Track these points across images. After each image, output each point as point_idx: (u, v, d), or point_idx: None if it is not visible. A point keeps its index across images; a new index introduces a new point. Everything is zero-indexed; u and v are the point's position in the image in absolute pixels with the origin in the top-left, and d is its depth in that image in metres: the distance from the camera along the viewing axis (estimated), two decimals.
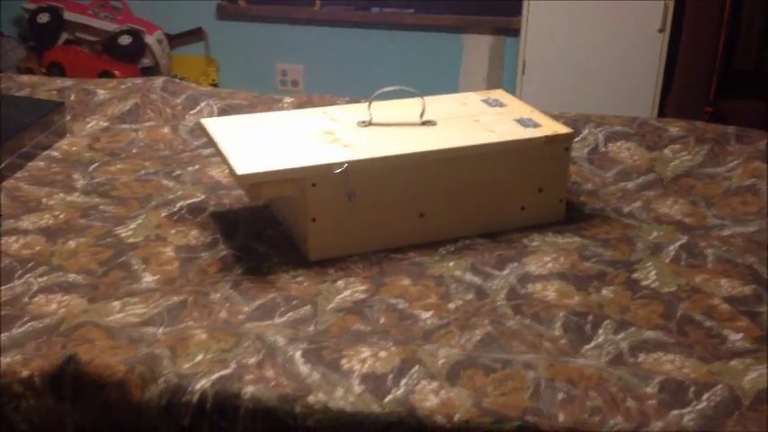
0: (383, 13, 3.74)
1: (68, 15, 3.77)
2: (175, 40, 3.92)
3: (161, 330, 1.37)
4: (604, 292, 1.49)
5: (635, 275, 1.55)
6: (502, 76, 3.67)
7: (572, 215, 1.77)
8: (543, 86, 3.30)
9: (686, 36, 3.09)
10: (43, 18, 3.75)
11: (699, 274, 1.55)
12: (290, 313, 1.43)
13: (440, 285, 1.51)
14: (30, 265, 1.56)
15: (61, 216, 1.75)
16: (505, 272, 1.56)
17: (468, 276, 1.54)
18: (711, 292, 1.49)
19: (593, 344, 1.35)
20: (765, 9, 3.38)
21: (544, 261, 1.59)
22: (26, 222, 1.72)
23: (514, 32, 3.51)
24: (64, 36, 3.80)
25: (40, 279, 1.52)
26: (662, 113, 3.16)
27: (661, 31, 3.13)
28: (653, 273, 1.55)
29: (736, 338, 1.36)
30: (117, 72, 3.65)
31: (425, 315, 1.42)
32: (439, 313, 1.43)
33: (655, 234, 1.69)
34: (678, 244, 1.65)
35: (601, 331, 1.38)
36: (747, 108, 3.11)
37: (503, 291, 1.50)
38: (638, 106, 3.15)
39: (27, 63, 3.78)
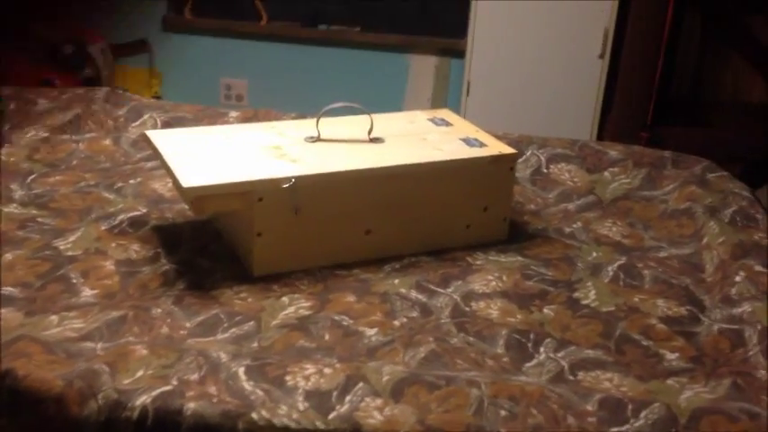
0: (330, 31, 3.74)
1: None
2: (119, 50, 3.86)
3: (100, 345, 1.35)
4: (546, 310, 1.52)
5: (575, 295, 1.58)
6: (447, 97, 3.71)
7: (515, 234, 1.80)
8: (487, 107, 3.35)
9: (625, 62, 3.17)
10: None
11: (636, 295, 1.59)
12: (234, 329, 1.42)
13: (385, 302, 1.51)
14: None
15: None
16: (450, 290, 1.57)
17: (413, 294, 1.55)
18: (648, 311, 1.53)
19: (534, 362, 1.37)
20: (701, 38, 3.50)
21: (488, 279, 1.60)
22: None
23: (460, 54, 3.56)
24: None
25: None
26: (600, 137, 3.24)
27: (601, 56, 3.20)
28: (593, 292, 1.58)
29: (672, 358, 1.40)
30: (58, 81, 3.57)
31: (370, 332, 1.43)
32: (384, 330, 1.43)
33: (594, 255, 1.73)
34: (617, 264, 1.69)
35: (542, 349, 1.40)
36: (683, 134, 3.20)
37: (447, 308, 1.51)
38: (577, 129, 3.22)
39: None
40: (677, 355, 1.40)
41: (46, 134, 2.19)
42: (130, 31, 3.84)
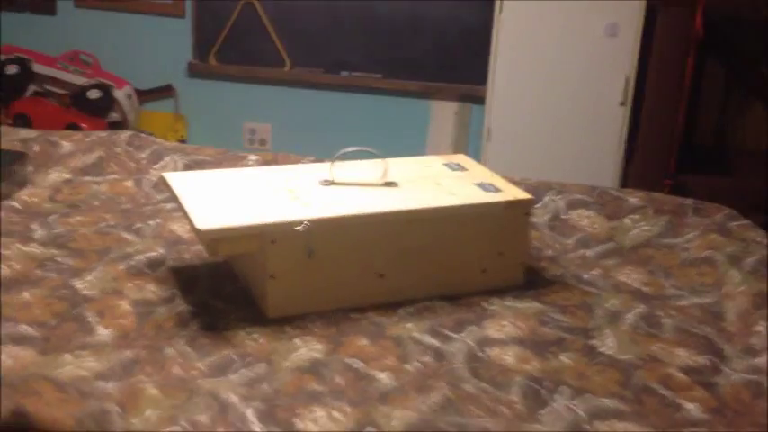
0: (352, 77, 3.79)
1: (37, 68, 3.78)
2: (145, 95, 3.93)
3: (112, 385, 1.34)
4: (562, 357, 1.49)
5: (593, 342, 1.55)
6: (468, 142, 3.73)
7: (532, 280, 1.78)
8: (507, 153, 3.35)
9: (647, 110, 3.17)
10: (12, 69, 3.74)
11: (656, 343, 1.56)
12: (245, 370, 1.41)
13: (398, 346, 1.50)
14: None
15: (17, 266, 1.72)
16: (464, 335, 1.55)
17: (427, 338, 1.53)
18: (668, 361, 1.50)
19: (549, 409, 1.34)
20: (724, 86, 3.49)
21: (503, 325, 1.59)
22: None
23: (480, 100, 3.58)
24: (32, 88, 3.80)
25: None
26: (624, 185, 3.22)
27: (623, 104, 3.21)
28: (610, 340, 1.56)
29: (691, 408, 1.36)
30: (84, 125, 3.64)
31: (382, 376, 1.41)
32: (396, 374, 1.41)
33: (613, 302, 1.71)
34: (636, 312, 1.66)
35: (557, 397, 1.37)
36: (706, 182, 3.18)
37: (461, 354, 1.49)
38: (599, 177, 3.21)
39: None
40: (697, 405, 1.37)
41: (68, 176, 2.22)
42: (156, 77, 3.91)
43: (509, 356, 1.49)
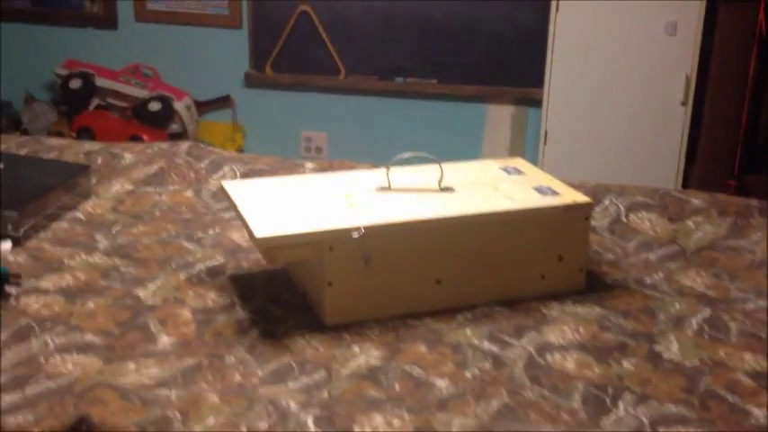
0: (406, 83, 3.79)
1: (100, 82, 3.87)
2: (204, 106, 4.00)
3: (174, 393, 1.36)
4: (625, 364, 1.46)
5: (656, 348, 1.52)
6: (524, 146, 3.70)
7: (593, 285, 1.75)
8: (565, 156, 3.31)
9: (709, 109, 3.10)
10: (75, 84, 3.84)
11: (722, 348, 1.52)
12: (304, 378, 1.42)
13: (456, 353, 1.49)
14: (48, 325, 1.57)
15: (82, 277, 1.77)
16: (524, 341, 1.53)
17: (486, 345, 1.52)
18: (735, 366, 1.46)
19: (612, 417, 1.32)
20: None
21: (563, 331, 1.56)
22: (47, 282, 1.73)
23: (536, 103, 3.54)
24: (95, 101, 3.90)
25: (57, 339, 1.52)
26: (685, 186, 3.15)
27: (683, 103, 3.14)
28: (675, 345, 1.52)
29: (759, 414, 1.32)
30: (146, 137, 3.72)
31: (441, 383, 1.40)
32: (455, 381, 1.41)
33: (677, 306, 1.67)
34: (701, 317, 1.62)
35: (621, 404, 1.35)
36: None
37: (520, 360, 1.47)
38: (661, 178, 3.14)
39: (58, 127, 3.87)
40: (765, 411, 1.33)
41: (131, 187, 2.27)
42: (214, 88, 3.97)
43: (570, 363, 1.47)
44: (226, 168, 2.34)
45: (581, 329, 1.57)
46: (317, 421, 1.26)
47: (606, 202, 2.10)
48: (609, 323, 1.60)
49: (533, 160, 3.41)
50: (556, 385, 1.40)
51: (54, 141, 2.56)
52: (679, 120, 3.14)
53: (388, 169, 1.74)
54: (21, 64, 4.05)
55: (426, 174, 1.79)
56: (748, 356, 1.49)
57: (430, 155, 1.74)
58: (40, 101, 4.02)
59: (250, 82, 3.96)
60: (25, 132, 3.86)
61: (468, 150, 3.73)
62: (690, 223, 2.03)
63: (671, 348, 1.52)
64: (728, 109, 3.06)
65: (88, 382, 1.37)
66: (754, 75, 3.04)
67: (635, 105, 3.19)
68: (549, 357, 1.48)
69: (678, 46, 3.10)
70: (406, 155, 1.71)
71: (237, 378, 1.41)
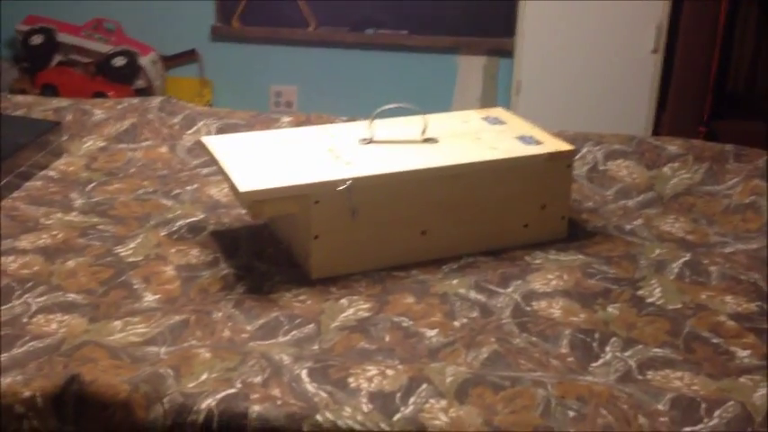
0: (378, 35, 3.75)
1: (62, 37, 3.77)
2: (169, 61, 3.92)
3: (164, 350, 1.36)
4: (610, 309, 1.48)
5: (640, 293, 1.54)
6: (496, 97, 3.69)
7: (574, 233, 1.77)
8: (537, 106, 3.31)
9: (680, 57, 3.11)
10: (36, 40, 3.74)
11: (703, 292, 1.54)
12: (294, 332, 1.42)
13: (444, 303, 1.50)
14: (29, 285, 1.54)
15: (59, 236, 1.74)
16: (510, 289, 1.55)
17: (473, 294, 1.53)
18: (717, 309, 1.49)
19: (600, 361, 1.34)
20: (756, 31, 3.41)
21: (548, 279, 1.58)
22: (24, 242, 1.70)
23: (508, 53, 3.53)
24: (57, 58, 3.80)
25: (39, 299, 1.50)
26: (656, 133, 3.18)
27: (655, 51, 3.15)
28: (658, 290, 1.55)
29: (743, 355, 1.35)
30: (111, 93, 3.64)
31: (431, 333, 1.41)
32: (444, 331, 1.42)
33: (658, 252, 1.69)
34: (681, 261, 1.65)
35: (608, 349, 1.37)
36: (740, 128, 3.13)
37: (508, 308, 1.49)
38: (632, 126, 3.16)
39: (20, 84, 3.77)
40: (749, 352, 1.36)
41: (103, 143, 2.22)
42: (180, 42, 3.89)
43: (556, 310, 1.48)
44: (200, 123, 2.30)
45: (565, 276, 1.59)
46: (311, 373, 1.26)
47: (584, 150, 2.11)
48: (592, 270, 1.62)
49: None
50: (543, 332, 1.42)
51: (21, 98, 2.49)
52: (650, 68, 3.16)
53: (371, 121, 1.72)
54: None
55: (408, 125, 1.78)
56: (729, 299, 1.52)
57: (412, 106, 1.72)
58: (1, 58, 3.91)
59: (217, 35, 3.89)
60: None
61: (439, 102, 3.71)
62: (666, 170, 2.05)
63: (654, 293, 1.54)
64: (699, 57, 3.08)
65: (75, 341, 1.36)
66: (724, 23, 3.05)
67: (607, 54, 3.20)
68: (535, 305, 1.50)
69: None
70: (390, 106, 1.70)
71: (227, 333, 1.41)
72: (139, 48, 3.78)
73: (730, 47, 3.31)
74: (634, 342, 1.39)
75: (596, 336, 1.40)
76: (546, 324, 1.44)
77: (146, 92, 3.75)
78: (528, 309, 1.49)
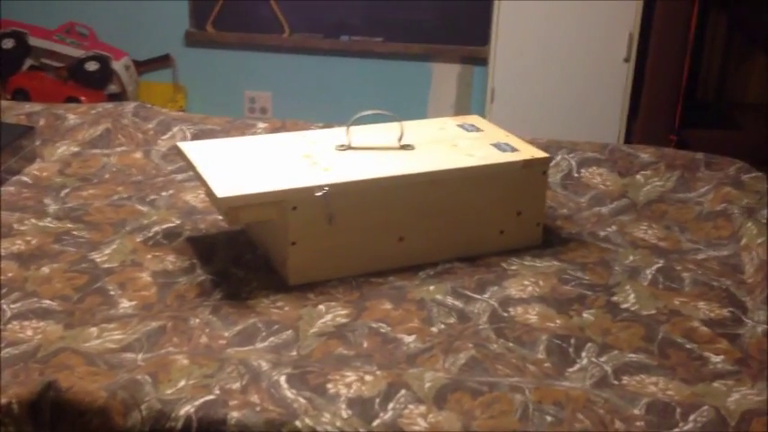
0: (352, 42, 3.76)
1: (33, 41, 3.73)
2: (143, 66, 3.90)
3: (141, 356, 1.35)
4: (585, 315, 1.50)
5: (614, 298, 1.56)
6: (470, 104, 3.71)
7: (549, 239, 1.78)
8: (512, 114, 3.34)
9: (651, 65, 3.15)
10: (8, 44, 3.70)
11: (677, 297, 1.57)
12: (272, 338, 1.42)
13: (422, 309, 1.51)
14: (3, 291, 1.52)
15: (33, 241, 1.72)
16: (486, 295, 1.56)
17: (450, 300, 1.54)
18: (690, 314, 1.51)
19: (577, 367, 1.35)
20: (725, 42, 3.48)
21: (524, 285, 1.59)
22: None
23: (482, 61, 3.56)
24: (29, 62, 3.76)
25: (13, 305, 1.49)
26: (628, 141, 3.22)
27: (626, 60, 3.19)
28: (632, 296, 1.57)
29: (717, 360, 1.38)
30: (83, 98, 3.61)
31: (408, 339, 1.42)
32: (422, 337, 1.42)
33: (631, 258, 1.71)
34: (655, 267, 1.67)
35: (584, 354, 1.38)
36: (711, 137, 3.18)
37: (485, 314, 1.50)
38: (604, 134, 3.20)
39: None
40: (722, 357, 1.38)
41: (77, 149, 2.20)
42: (153, 47, 3.87)
43: (533, 315, 1.50)
44: (175, 129, 2.29)
45: (541, 283, 1.60)
46: (289, 379, 1.26)
47: (558, 157, 2.13)
48: (567, 276, 1.63)
49: None
50: (520, 337, 1.43)
51: None
52: (622, 76, 3.20)
53: (349, 128, 1.73)
54: None
55: (385, 132, 1.78)
56: (702, 305, 1.54)
57: (390, 113, 1.73)
58: None
59: (190, 41, 3.88)
60: None
61: (414, 109, 3.73)
62: (639, 177, 2.07)
63: (628, 299, 1.56)
64: (670, 66, 3.12)
65: (51, 348, 1.35)
66: (695, 32, 3.10)
67: (580, 63, 3.24)
68: (511, 311, 1.51)
69: (622, 4, 3.14)
70: (367, 113, 1.70)
71: (204, 340, 1.40)
72: (112, 52, 3.75)
73: (700, 56, 3.37)
74: (609, 347, 1.41)
75: (572, 341, 1.42)
76: (522, 330, 1.45)
77: (119, 97, 3.72)
78: (505, 315, 1.50)
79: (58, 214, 1.86)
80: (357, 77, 3.79)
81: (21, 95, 3.63)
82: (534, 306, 1.53)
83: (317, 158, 1.67)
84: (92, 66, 3.70)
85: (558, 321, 1.48)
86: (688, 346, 1.42)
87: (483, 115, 3.42)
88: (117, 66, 3.74)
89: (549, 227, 1.84)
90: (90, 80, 3.71)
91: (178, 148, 1.75)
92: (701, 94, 3.49)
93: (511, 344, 1.41)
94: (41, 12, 3.81)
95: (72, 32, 3.80)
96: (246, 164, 1.65)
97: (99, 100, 3.62)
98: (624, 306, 1.54)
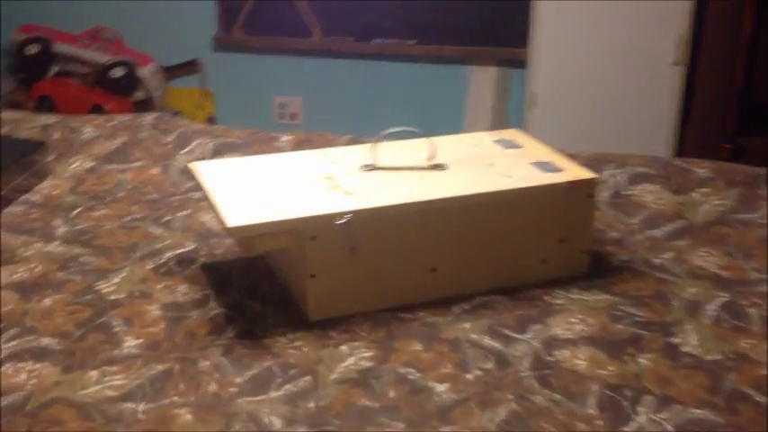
0: (385, 45, 3.61)
1: (58, 47, 3.64)
2: (170, 72, 3.78)
3: (142, 407, 1.21)
4: (641, 360, 1.33)
5: (674, 340, 1.39)
6: (509, 110, 3.54)
7: (597, 268, 1.61)
8: (552, 120, 3.16)
9: (703, 69, 2.95)
10: (32, 50, 3.61)
11: (744, 339, 1.39)
12: (288, 385, 1.27)
13: (455, 351, 1.35)
14: (0, 327, 1.40)
15: (37, 269, 1.60)
16: (528, 335, 1.40)
17: (487, 341, 1.38)
18: (759, 359, 1.33)
19: (633, 425, 1.18)
20: None
21: (571, 322, 1.43)
22: None
23: (521, 64, 3.38)
24: (54, 68, 3.67)
25: (9, 344, 1.37)
26: (680, 150, 3.02)
27: (676, 63, 2.99)
28: (693, 337, 1.39)
29: None
30: (109, 106, 3.51)
31: (440, 388, 1.26)
32: (456, 386, 1.27)
33: (691, 290, 1.54)
34: (718, 302, 1.49)
35: (641, 409, 1.21)
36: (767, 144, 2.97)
37: (526, 358, 1.34)
38: (652, 142, 3.00)
39: (15, 96, 3.64)
40: None
41: (92, 164, 2.09)
42: (181, 52, 3.76)
43: (581, 360, 1.33)
44: (195, 143, 2.17)
45: (589, 320, 1.44)
46: None
47: (605, 173, 1.96)
48: (619, 312, 1.46)
49: (519, 125, 3.26)
50: (568, 388, 1.27)
51: (7, 115, 2.36)
52: (672, 81, 2.99)
53: (374, 146, 1.57)
54: None
55: (414, 149, 1.63)
56: None
57: (415, 127, 1.57)
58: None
59: (219, 45, 3.75)
60: None
61: (449, 115, 3.56)
62: (695, 195, 1.89)
63: (689, 340, 1.39)
64: (723, 68, 2.92)
65: (43, 398, 1.22)
66: (750, 32, 2.90)
67: (626, 66, 3.04)
68: (557, 354, 1.35)
69: (671, 3, 2.94)
70: (393, 130, 1.55)
71: (213, 387, 1.26)
72: (139, 58, 3.64)
73: (755, 57, 3.15)
74: (670, 401, 1.24)
75: (627, 393, 1.25)
76: (570, 378, 1.29)
77: (145, 104, 3.62)
78: (549, 359, 1.33)
79: (66, 237, 1.74)
80: (390, 82, 3.64)
81: (45, 103, 3.54)
82: (583, 349, 1.36)
83: (339, 180, 1.52)
84: (118, 72, 3.59)
85: (610, 368, 1.31)
86: (758, 398, 1.24)
87: (522, 122, 3.25)
88: (143, 72, 3.63)
89: (597, 253, 1.67)
90: (116, 87, 3.60)
91: (191, 169, 1.62)
92: (756, 98, 3.27)
93: (557, 396, 1.25)
94: (66, 16, 3.72)
95: (98, 37, 3.70)
96: (263, 187, 1.51)
97: (125, 107, 3.52)
98: (685, 349, 1.36)
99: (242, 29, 3.70)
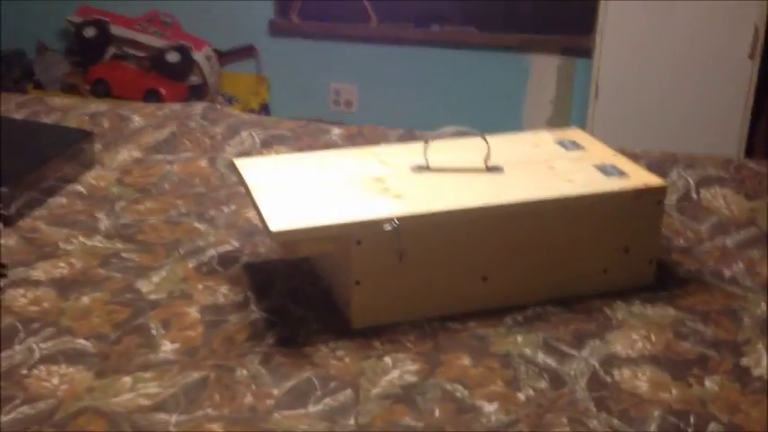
0: (443, 32, 3.50)
1: (115, 30, 3.63)
2: (225, 57, 3.75)
3: (174, 418, 1.16)
4: (708, 383, 1.23)
5: (744, 361, 1.28)
6: (572, 101, 3.41)
7: (663, 279, 1.51)
8: (617, 113, 3.03)
9: None
10: (89, 32, 3.60)
11: None
12: (327, 399, 1.21)
13: (507, 367, 1.27)
14: (35, 327, 1.37)
15: (78, 265, 1.56)
16: (585, 352, 1.31)
17: (541, 356, 1.29)
18: None
19: None
20: None
21: (632, 339, 1.33)
22: (38, 271, 1.53)
23: (586, 53, 3.25)
24: (110, 51, 3.66)
25: (44, 344, 1.33)
26: (750, 148, 2.86)
27: (751, 56, 2.83)
28: (765, 359, 1.29)
29: None
30: (164, 90, 3.49)
31: (489, 408, 1.18)
32: (506, 406, 1.19)
33: (763, 307, 1.42)
34: None
35: None
36: None
37: (583, 377, 1.25)
38: (723, 139, 2.86)
39: (71, 79, 3.64)
40: None
41: (139, 154, 2.05)
42: (236, 37, 3.72)
43: (642, 381, 1.24)
44: (244, 134, 2.11)
45: (653, 337, 1.34)
46: None
47: (673, 174, 1.85)
48: (685, 329, 1.36)
49: (582, 117, 3.14)
50: (627, 412, 1.17)
51: (57, 101, 2.34)
52: (745, 75, 2.84)
53: (426, 146, 1.49)
54: (33, 10, 3.81)
55: (469, 149, 1.54)
56: None
57: (474, 129, 1.49)
58: (53, 50, 3.79)
59: (275, 30, 3.70)
60: (38, 84, 3.64)
61: (508, 106, 3.45)
62: None
63: (761, 362, 1.28)
64: None
65: (72, 407, 1.17)
66: None
67: (697, 58, 2.89)
68: (616, 374, 1.25)
69: None
70: (448, 129, 1.47)
71: (249, 399, 1.20)
72: (194, 42, 3.61)
73: None
74: (737, 429, 1.14)
75: (692, 420, 1.15)
76: (630, 401, 1.19)
77: (200, 89, 3.59)
78: (608, 379, 1.24)
79: (108, 232, 1.70)
80: (448, 70, 3.54)
81: (101, 86, 3.53)
82: (644, 369, 1.26)
83: (388, 182, 1.44)
84: (173, 56, 3.56)
85: (673, 391, 1.22)
86: None
87: (585, 114, 3.12)
88: (198, 56, 3.59)
89: (662, 262, 1.56)
90: (171, 71, 3.57)
91: (235, 166, 1.56)
92: None
93: (615, 420, 1.16)
94: (124, 0, 3.70)
95: (155, 21, 3.67)
96: (308, 187, 1.44)
97: (180, 91, 3.50)
98: (756, 372, 1.26)
99: (298, 14, 3.63)
